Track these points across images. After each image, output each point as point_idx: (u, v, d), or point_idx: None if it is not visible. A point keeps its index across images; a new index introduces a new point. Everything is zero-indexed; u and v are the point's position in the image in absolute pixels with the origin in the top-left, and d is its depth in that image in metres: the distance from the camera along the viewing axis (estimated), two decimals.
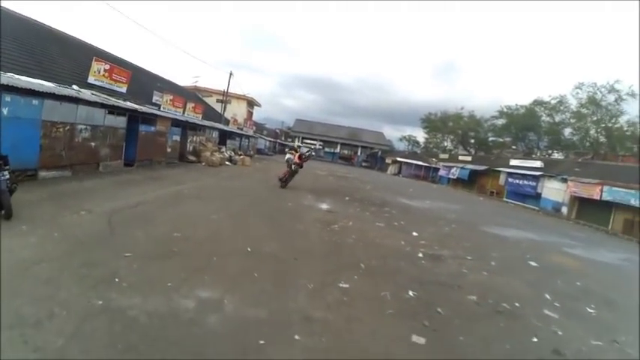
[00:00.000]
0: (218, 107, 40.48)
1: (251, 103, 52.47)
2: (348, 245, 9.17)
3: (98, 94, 14.66)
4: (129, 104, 16.47)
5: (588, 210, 27.24)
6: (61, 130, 12.16)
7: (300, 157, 18.38)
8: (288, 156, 18.55)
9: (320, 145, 78.82)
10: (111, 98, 15.30)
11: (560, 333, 5.91)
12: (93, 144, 13.94)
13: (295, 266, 6.97)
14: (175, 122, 22.19)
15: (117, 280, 5.03)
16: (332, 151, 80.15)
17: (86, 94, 13.42)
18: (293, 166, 17.94)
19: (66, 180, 11.73)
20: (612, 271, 12.18)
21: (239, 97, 46.78)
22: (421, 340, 4.81)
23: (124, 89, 18.19)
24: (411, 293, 6.48)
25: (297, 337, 4.37)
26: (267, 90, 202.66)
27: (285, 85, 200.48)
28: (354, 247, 9.04)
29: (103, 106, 14.18)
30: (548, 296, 7.67)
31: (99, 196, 10.04)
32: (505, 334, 5.53)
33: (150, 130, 18.83)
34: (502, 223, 18.60)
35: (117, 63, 19.43)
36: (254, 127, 53.14)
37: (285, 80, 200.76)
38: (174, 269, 5.75)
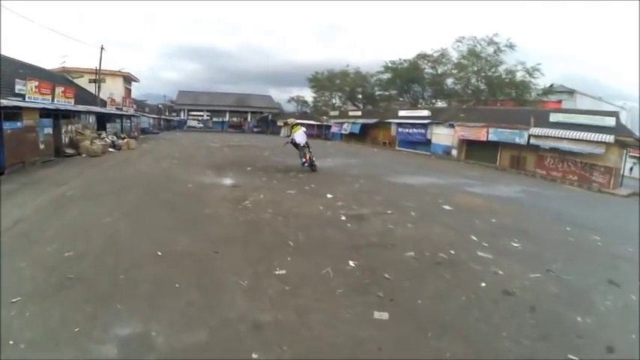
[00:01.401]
0: (92, 88, 35.56)
1: (128, 79, 46.98)
2: (266, 222, 8.46)
3: None
4: None
5: (476, 150, 29.63)
6: None
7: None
8: (298, 137, 17.08)
9: (207, 115, 75.96)
10: None
11: (500, 272, 6.05)
12: None
13: (218, 261, 6.02)
14: (45, 112, 18.56)
15: (11, 343, 3.65)
16: (221, 120, 77.00)
17: None
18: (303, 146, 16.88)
19: None
20: (515, 204, 12.99)
21: (114, 74, 42.17)
22: (384, 315, 4.46)
23: None
24: (351, 263, 6.07)
25: (254, 355, 3.63)
26: (146, 64, 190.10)
27: (164, 57, 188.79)
28: (273, 223, 8.36)
29: None
30: (474, 237, 7.83)
31: None
32: (455, 285, 5.48)
33: (16, 126, 15.36)
34: (403, 172, 19.18)
35: None
36: (134, 106, 48.12)
37: (164, 51, 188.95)
38: (77, 304, 4.43)
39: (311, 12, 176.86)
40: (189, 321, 4.20)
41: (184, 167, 16.76)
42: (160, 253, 6.08)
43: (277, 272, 5.63)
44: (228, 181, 13.52)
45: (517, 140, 25.62)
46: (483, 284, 5.50)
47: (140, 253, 6.07)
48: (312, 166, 16.66)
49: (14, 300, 4.44)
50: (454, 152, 31.44)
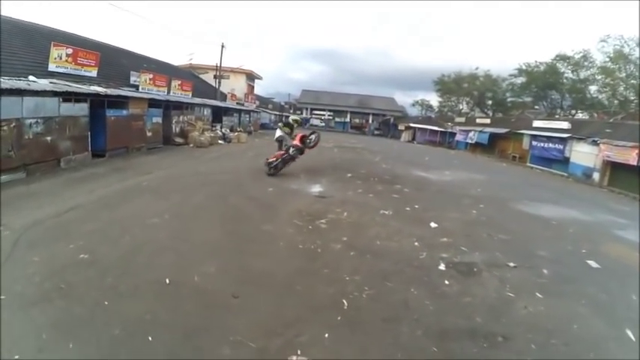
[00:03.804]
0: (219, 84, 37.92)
1: (251, 76, 48.66)
2: (331, 257, 6.40)
3: (57, 81, 13.06)
4: (90, 88, 14.29)
5: (622, 176, 23.73)
6: (5, 128, 10.45)
7: (301, 139, 13.92)
8: (278, 134, 14.49)
9: (329, 115, 75.85)
10: (72, 84, 13.49)
11: None
12: (48, 138, 12.05)
13: (228, 313, 4.40)
14: (155, 103, 19.70)
15: None
16: (342, 120, 75.73)
17: (40, 83, 11.89)
18: (291, 150, 13.69)
19: (18, 183, 9.97)
20: None
21: (235, 71, 43.36)
22: None
23: (94, 73, 16.53)
24: None
25: None
26: (275, 65, 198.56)
27: (292, 59, 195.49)
28: (340, 261, 6.25)
29: (55, 94, 12.25)
30: (631, 335, 4.79)
31: (31, 204, 8.05)
32: None
33: (121, 114, 16.46)
34: (535, 197, 15.36)
35: (82, 45, 17.42)
36: (257, 102, 50.16)
37: (293, 53, 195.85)
38: (41, 326, 3.80)
39: (435, 13, 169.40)
40: None
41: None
42: (168, 281, 4.99)
43: (294, 359, 3.67)
44: (315, 189, 11.74)
45: None
46: None
47: (149, 276, 5.15)
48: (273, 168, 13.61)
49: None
50: (596, 176, 25.72)
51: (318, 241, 7.05)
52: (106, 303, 4.32)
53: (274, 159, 13.62)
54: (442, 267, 6.34)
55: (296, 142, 13.80)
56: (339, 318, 4.49)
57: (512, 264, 6.83)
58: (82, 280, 4.83)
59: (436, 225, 8.82)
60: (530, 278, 6.33)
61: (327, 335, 4.11)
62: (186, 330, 3.96)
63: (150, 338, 3.74)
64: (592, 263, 7.59)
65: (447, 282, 5.77)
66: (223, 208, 8.95)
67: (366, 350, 3.92)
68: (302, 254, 6.43)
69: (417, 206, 10.63)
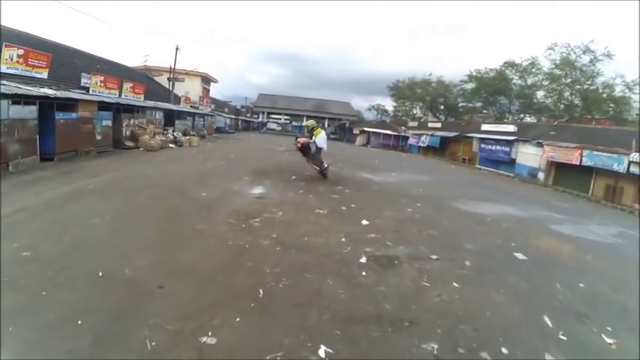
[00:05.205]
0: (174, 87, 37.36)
1: (206, 79, 48.10)
2: (258, 251, 6.51)
3: (8, 83, 12.73)
4: (39, 90, 13.99)
5: (566, 175, 25.05)
6: None
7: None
8: (320, 141, 15.23)
9: (286, 119, 76.15)
10: (22, 86, 13.15)
11: None
12: None
13: (152, 301, 4.62)
14: (105, 105, 19.33)
15: None
16: (299, 124, 76.60)
17: None
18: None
19: None
20: (612, 254, 9.58)
21: (189, 74, 42.72)
22: None
23: (44, 74, 16.19)
24: (322, 351, 3.83)
25: None
26: (236, 68, 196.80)
27: (253, 61, 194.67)
28: (265, 255, 6.37)
29: (6, 96, 11.99)
30: (548, 320, 5.04)
31: None
32: None
33: (70, 117, 16.08)
34: (476, 196, 15.97)
35: (36, 45, 17.35)
36: (212, 105, 49.83)
37: (254, 56, 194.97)
38: None
39: (395, 18, 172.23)
40: None
41: (226, 170, 15.70)
42: (101, 274, 5.18)
43: (204, 340, 3.90)
44: (257, 191, 11.75)
45: (615, 167, 20.90)
46: None
47: (85, 269, 5.34)
48: (323, 173, 15.18)
49: None
50: (541, 175, 26.91)
51: (248, 237, 7.11)
52: (44, 293, 4.57)
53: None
54: (363, 260, 6.49)
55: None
56: (252, 305, 4.65)
57: (434, 257, 7.05)
58: (23, 274, 5.02)
59: (367, 222, 9.00)
60: (450, 269, 6.54)
61: (238, 319, 4.29)
62: (112, 315, 4.22)
63: (79, 322, 4.00)
64: (519, 255, 7.89)
65: (364, 273, 5.93)
66: (163, 209, 8.94)
67: (271, 332, 4.09)
68: (230, 249, 6.51)
69: (353, 205, 10.80)
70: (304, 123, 17.93)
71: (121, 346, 3.70)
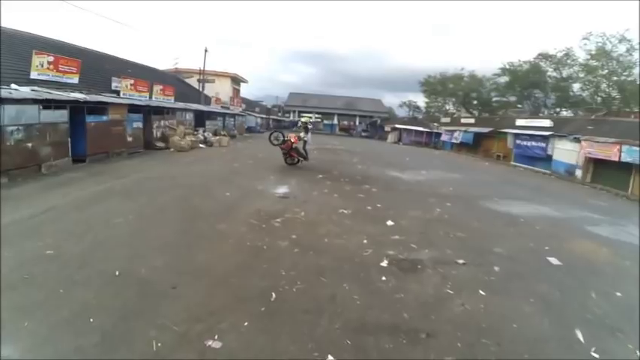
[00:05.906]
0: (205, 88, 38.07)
1: (236, 80, 49.01)
2: (275, 253, 6.44)
3: (39, 89, 13.40)
4: (70, 95, 14.46)
5: (605, 172, 23.73)
6: None
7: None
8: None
9: (318, 117, 76.17)
10: (53, 92, 13.83)
11: None
12: (29, 144, 12.24)
13: (163, 301, 4.64)
14: (136, 108, 19.84)
15: None
16: (330, 123, 76.36)
17: (21, 91, 12.24)
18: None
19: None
20: None
21: (221, 75, 43.44)
22: None
23: (75, 79, 16.62)
24: None
25: None
26: (268, 68, 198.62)
27: (283, 61, 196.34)
28: (282, 256, 6.27)
29: (35, 101, 12.45)
30: (580, 336, 4.62)
31: (10, 206, 8.21)
32: None
33: (101, 120, 16.59)
34: (509, 195, 15.32)
35: (65, 52, 17.77)
36: (243, 105, 50.08)
37: (284, 55, 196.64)
38: (3, 308, 4.14)
39: (424, 14, 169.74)
40: None
41: (253, 169, 15.73)
42: (117, 273, 5.29)
43: (209, 343, 3.83)
44: (280, 190, 11.70)
45: None
46: None
47: (103, 267, 5.47)
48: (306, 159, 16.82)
49: None
50: (578, 173, 25.62)
51: (267, 238, 7.04)
52: (61, 290, 4.71)
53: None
54: (384, 263, 6.27)
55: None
56: (262, 309, 4.56)
57: (461, 261, 6.74)
58: (44, 271, 5.22)
59: (392, 223, 8.76)
60: (477, 275, 6.22)
61: (246, 324, 4.22)
62: (123, 314, 4.27)
63: (91, 320, 4.09)
64: (553, 260, 7.44)
65: (383, 278, 5.71)
66: (185, 209, 8.99)
67: (278, 339, 3.98)
68: (247, 250, 6.46)
69: (379, 205, 10.55)
70: (302, 119, 17.84)
71: (126, 345, 3.71)
